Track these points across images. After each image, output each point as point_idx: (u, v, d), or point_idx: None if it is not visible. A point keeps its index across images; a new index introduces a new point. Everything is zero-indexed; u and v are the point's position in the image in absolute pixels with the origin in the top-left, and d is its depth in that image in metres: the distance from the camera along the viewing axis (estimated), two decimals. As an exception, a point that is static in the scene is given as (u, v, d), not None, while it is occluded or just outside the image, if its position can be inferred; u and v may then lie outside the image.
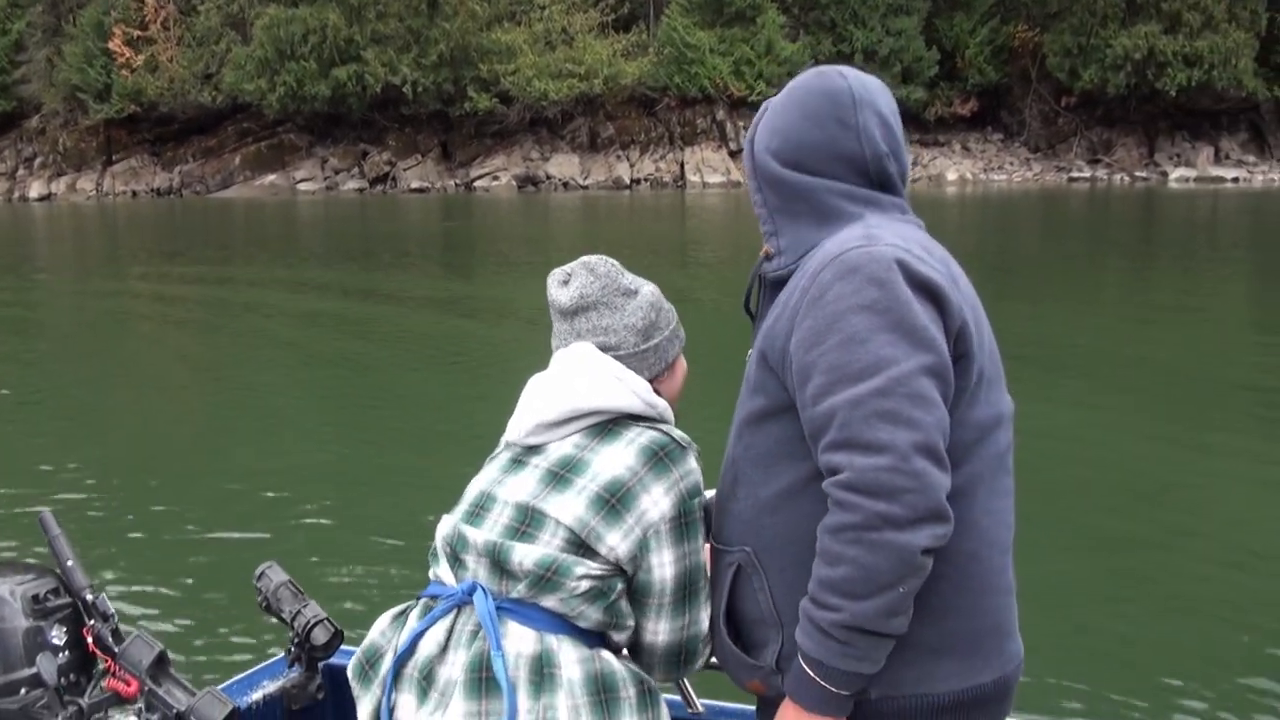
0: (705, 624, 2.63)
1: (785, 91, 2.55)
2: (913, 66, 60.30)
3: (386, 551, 8.10)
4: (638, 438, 2.60)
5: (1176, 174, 58.29)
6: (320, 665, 3.17)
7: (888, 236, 2.33)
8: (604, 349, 2.70)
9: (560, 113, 61.17)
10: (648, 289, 2.79)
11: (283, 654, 3.24)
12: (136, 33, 67.00)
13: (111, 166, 69.76)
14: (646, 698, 2.54)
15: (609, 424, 2.63)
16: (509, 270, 26.71)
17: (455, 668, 2.48)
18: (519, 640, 2.47)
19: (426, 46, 61.14)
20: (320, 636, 3.05)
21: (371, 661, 2.63)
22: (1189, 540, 8.17)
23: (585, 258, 2.79)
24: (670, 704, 2.74)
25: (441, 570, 2.64)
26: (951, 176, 61.25)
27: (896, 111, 2.54)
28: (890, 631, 2.23)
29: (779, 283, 2.49)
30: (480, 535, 2.56)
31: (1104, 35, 58.06)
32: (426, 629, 2.55)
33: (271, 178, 65.52)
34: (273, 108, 63.08)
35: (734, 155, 58.90)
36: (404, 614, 2.66)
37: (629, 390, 2.63)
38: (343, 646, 3.09)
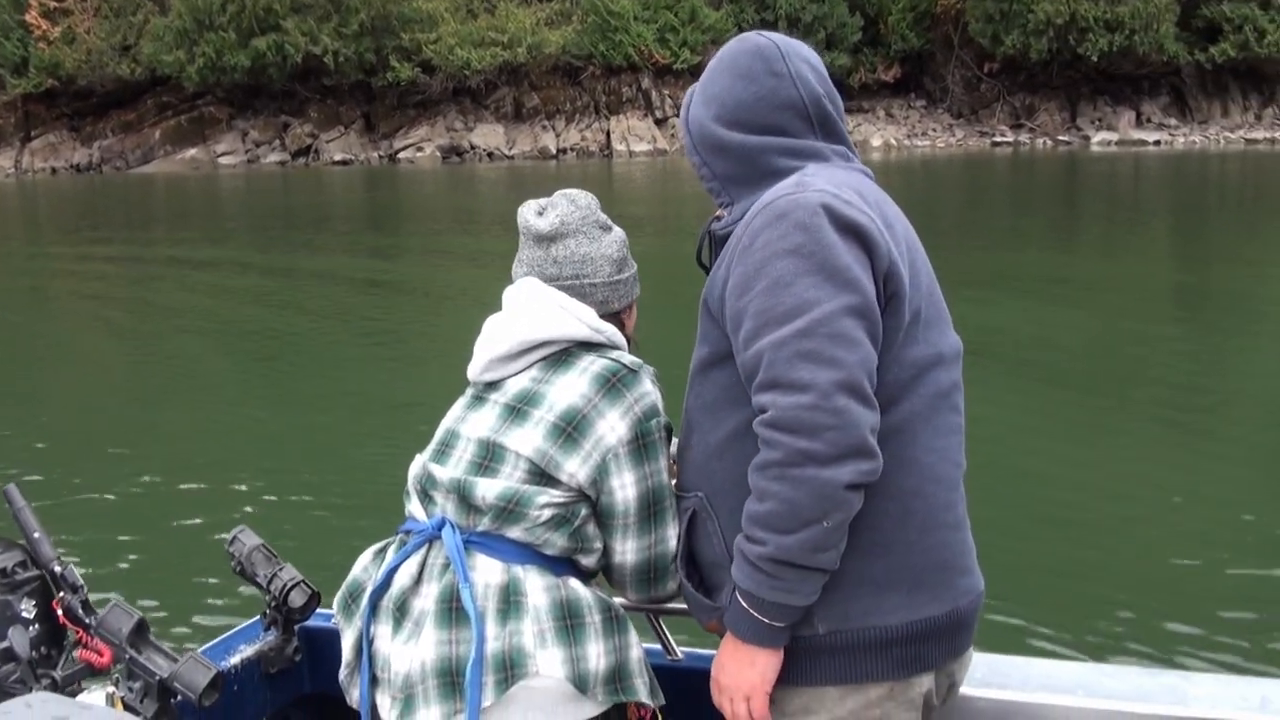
0: (673, 542, 2.67)
1: (713, 62, 2.60)
2: (836, 33, 60.41)
3: (350, 507, 8.22)
4: (590, 366, 2.65)
5: (1099, 138, 58.93)
6: (296, 628, 3.21)
7: (819, 183, 2.36)
8: (579, 276, 2.76)
9: (484, 82, 60.60)
10: (618, 229, 2.88)
11: (258, 617, 3.25)
12: (53, 3, 65.67)
13: (30, 143, 68.41)
14: (612, 623, 2.59)
15: (562, 354, 2.69)
16: (437, 241, 26.62)
17: (428, 599, 2.56)
18: (486, 571, 2.54)
19: (347, 15, 60.36)
20: (297, 599, 3.08)
21: (354, 595, 2.71)
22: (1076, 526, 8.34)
23: (565, 190, 2.87)
24: (650, 652, 2.81)
25: (414, 507, 2.72)
26: (876, 143, 61.45)
27: (821, 63, 2.60)
28: (817, 565, 2.27)
29: (727, 238, 2.52)
30: (446, 472, 2.63)
31: (1026, 1, 58.27)
32: (400, 563, 2.62)
33: (192, 152, 64.54)
34: (192, 79, 61.99)
35: (659, 124, 58.84)
36: (384, 550, 2.74)
37: (574, 317, 2.68)
38: (319, 609, 3.13)
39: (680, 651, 3.14)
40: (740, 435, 2.43)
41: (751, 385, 2.30)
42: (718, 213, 2.61)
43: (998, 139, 61.40)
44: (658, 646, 3.11)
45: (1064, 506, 8.34)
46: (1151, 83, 61.51)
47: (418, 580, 2.60)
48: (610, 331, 2.74)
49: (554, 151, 59.80)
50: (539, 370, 2.68)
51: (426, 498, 2.69)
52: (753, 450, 2.32)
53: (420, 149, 61.31)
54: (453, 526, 2.59)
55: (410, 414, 10.61)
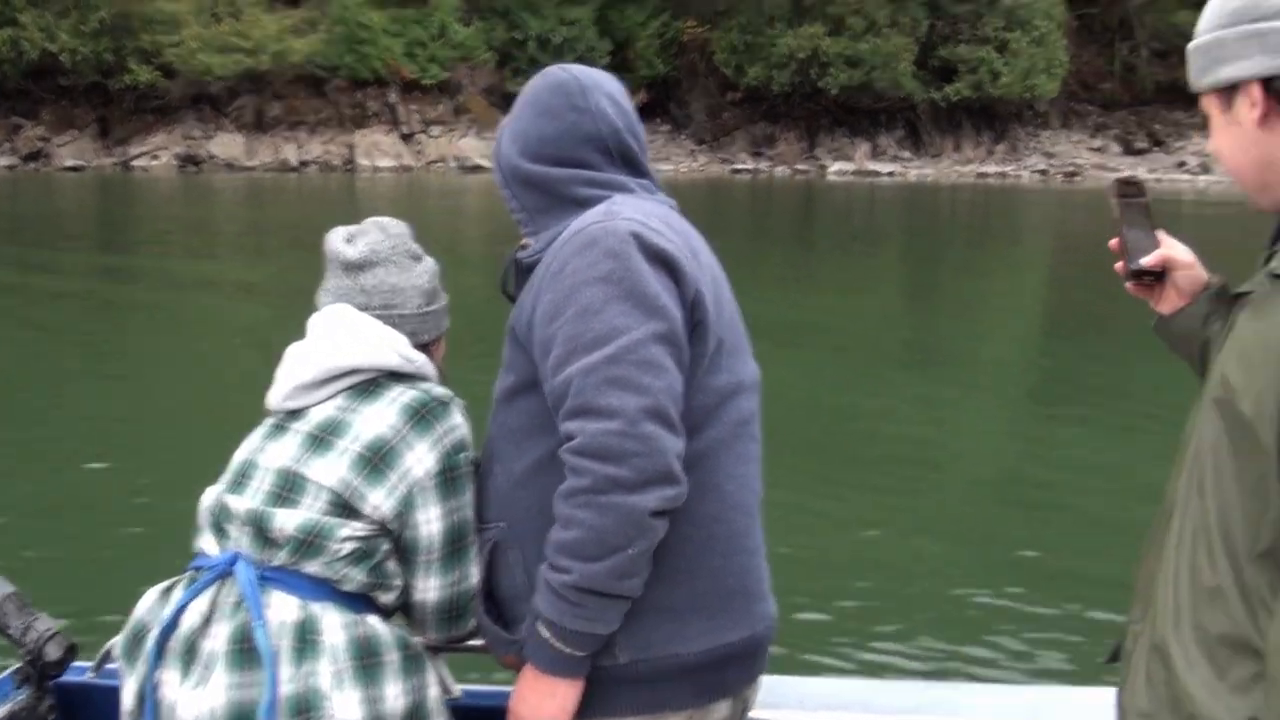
0: (475, 579, 2.64)
1: (519, 98, 2.66)
2: (586, 56, 60.59)
3: (120, 545, 7.76)
4: (400, 396, 2.61)
5: (835, 167, 60.58)
6: (50, 684, 2.99)
7: (627, 211, 2.42)
8: (389, 306, 2.73)
9: (225, 89, 58.65)
10: (429, 258, 2.86)
11: (8, 673, 3.01)
12: None
13: None
14: (411, 662, 2.54)
15: (370, 384, 2.64)
16: (170, 256, 25.67)
17: (218, 640, 2.45)
18: (281, 609, 2.46)
19: (86, 12, 57.31)
20: (53, 652, 2.88)
21: (137, 638, 2.56)
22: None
23: (376, 218, 2.85)
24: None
25: (205, 542, 2.61)
26: (621, 166, 61.76)
27: (625, 94, 2.66)
28: (621, 593, 2.29)
29: (534, 267, 2.54)
30: (243, 503, 2.53)
31: (770, 35, 59.89)
32: (189, 601, 2.51)
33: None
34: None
35: (405, 139, 58.05)
36: (171, 589, 2.61)
37: (388, 346, 2.65)
38: (75, 663, 2.94)
39: (458, 689, 3.03)
40: (545, 464, 2.43)
41: (559, 412, 2.32)
42: (523, 241, 2.63)
43: (738, 166, 62.61)
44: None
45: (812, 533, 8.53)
46: (888, 116, 63.69)
47: (208, 620, 2.48)
48: (421, 361, 2.71)
49: (295, 164, 57.95)
50: (344, 399, 2.62)
51: (220, 531, 2.58)
52: (558, 479, 2.32)
53: (156, 157, 58.74)
54: (247, 561, 2.49)
55: (163, 440, 10.26)
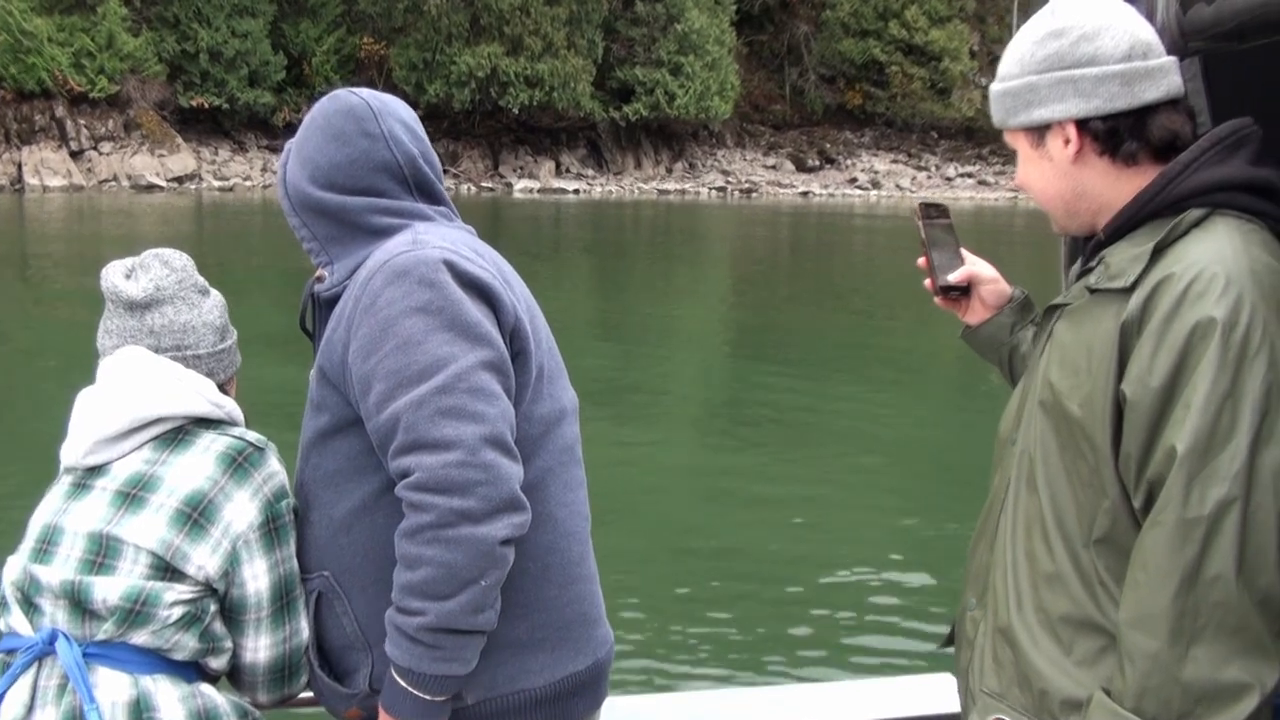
0: (306, 633, 2.53)
1: (305, 123, 2.56)
2: (260, 71, 59.28)
3: None
4: (212, 444, 2.46)
5: (521, 185, 60.69)
6: None
7: (435, 240, 2.36)
8: (181, 347, 2.57)
9: (-126, 102, 54.98)
10: (216, 292, 2.70)
11: None
12: None
13: None
14: None
15: (177, 432, 2.48)
16: None
17: None
18: (112, 687, 2.29)
19: None
20: None
21: None
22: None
23: (155, 250, 2.64)
24: None
25: (15, 619, 2.39)
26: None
27: (417, 120, 2.59)
28: (477, 628, 2.23)
29: (333, 300, 2.48)
30: (54, 574, 2.33)
31: (449, 53, 59.54)
32: (6, 690, 2.30)
33: None
34: None
35: (75, 156, 55.12)
36: None
37: (194, 391, 2.50)
38: None
39: None
40: (369, 506, 2.38)
41: (387, 450, 2.25)
42: (318, 274, 2.55)
43: (423, 184, 62.22)
44: None
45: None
46: (570, 135, 64.33)
47: (30, 708, 2.28)
48: (230, 406, 2.58)
49: (-42, 184, 54.62)
50: (151, 451, 2.45)
51: (31, 606, 2.37)
52: (383, 521, 2.31)
53: None
54: (68, 638, 2.31)
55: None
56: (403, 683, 2.25)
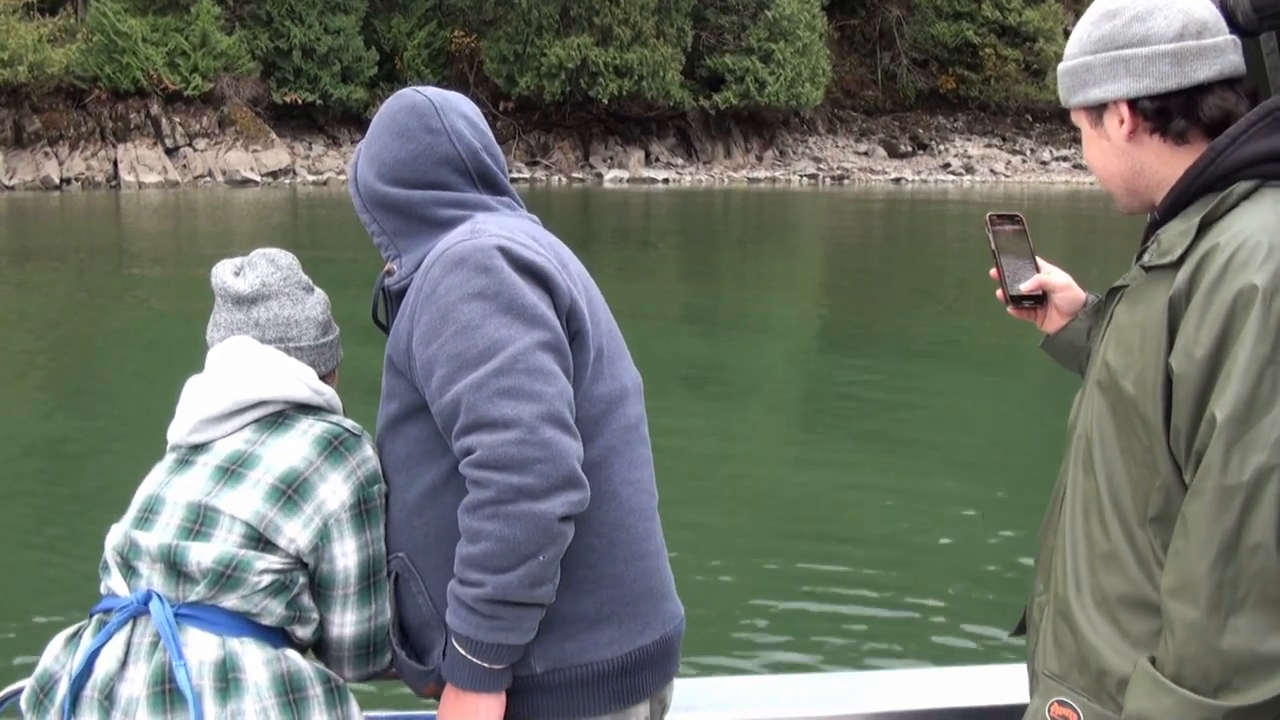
0: (389, 613, 2.62)
1: (373, 122, 2.67)
2: (352, 66, 60.07)
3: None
4: (310, 428, 2.58)
5: (611, 175, 61.18)
6: None
7: (492, 228, 2.44)
8: (284, 339, 2.70)
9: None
10: (320, 290, 2.84)
11: None
12: None
13: None
14: (334, 695, 2.50)
15: (278, 416, 2.61)
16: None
17: (136, 684, 2.37)
18: (201, 647, 2.39)
19: None
20: None
21: (46, 689, 2.46)
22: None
23: (263, 249, 2.79)
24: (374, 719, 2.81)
25: (114, 581, 2.52)
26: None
27: (480, 114, 2.69)
28: (535, 600, 2.30)
29: (402, 293, 2.56)
30: (152, 539, 2.45)
31: (540, 44, 60.05)
32: (102, 645, 2.42)
33: None
34: None
35: (170, 153, 55.95)
36: (78, 634, 2.51)
37: (295, 378, 2.62)
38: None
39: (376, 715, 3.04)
40: (439, 488, 2.45)
41: (451, 432, 2.32)
42: (388, 267, 2.64)
43: (515, 175, 62.61)
44: (381, 713, 3.06)
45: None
46: (659, 124, 64.57)
47: (123, 663, 2.39)
48: (330, 394, 2.70)
49: (57, 181, 55.07)
50: (252, 432, 2.58)
51: (129, 569, 2.49)
52: (454, 502, 2.35)
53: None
54: (161, 599, 2.41)
55: None
56: (462, 650, 2.33)
